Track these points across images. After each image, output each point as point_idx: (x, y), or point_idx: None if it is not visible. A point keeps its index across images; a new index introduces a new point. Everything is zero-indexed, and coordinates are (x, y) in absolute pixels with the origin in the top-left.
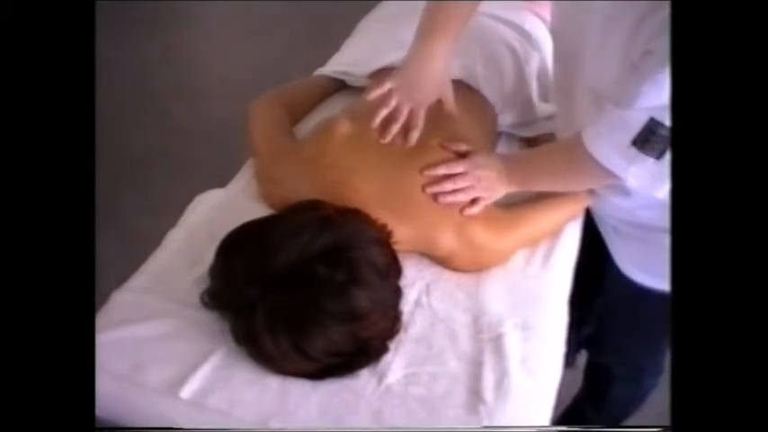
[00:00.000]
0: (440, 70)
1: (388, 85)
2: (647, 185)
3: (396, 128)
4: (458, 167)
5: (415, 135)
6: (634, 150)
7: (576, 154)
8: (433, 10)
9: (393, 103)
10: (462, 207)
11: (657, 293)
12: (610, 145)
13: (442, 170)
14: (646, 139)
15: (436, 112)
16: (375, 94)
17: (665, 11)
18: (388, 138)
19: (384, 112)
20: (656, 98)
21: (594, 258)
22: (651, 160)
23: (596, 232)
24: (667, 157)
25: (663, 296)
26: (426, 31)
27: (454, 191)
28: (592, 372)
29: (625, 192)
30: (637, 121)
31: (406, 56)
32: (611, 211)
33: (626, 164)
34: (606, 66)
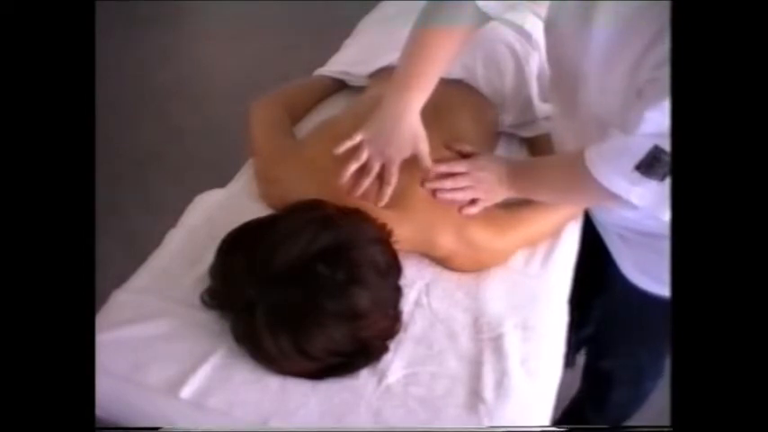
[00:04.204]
0: (415, 125)
1: (359, 137)
2: (652, 206)
3: (367, 182)
4: (459, 167)
5: (388, 192)
6: (637, 174)
7: (579, 173)
8: (411, 60)
9: (364, 156)
10: (461, 207)
11: (661, 299)
12: (613, 168)
13: (442, 168)
14: (650, 165)
15: (435, 113)
16: (345, 146)
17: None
18: (359, 192)
19: (354, 167)
20: (661, 124)
21: (594, 260)
22: (654, 182)
23: (596, 234)
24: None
25: (666, 302)
26: (403, 84)
27: (453, 189)
28: (591, 374)
29: (632, 204)
30: (641, 148)
31: (381, 107)
32: (617, 219)
33: (629, 186)
34: (609, 93)
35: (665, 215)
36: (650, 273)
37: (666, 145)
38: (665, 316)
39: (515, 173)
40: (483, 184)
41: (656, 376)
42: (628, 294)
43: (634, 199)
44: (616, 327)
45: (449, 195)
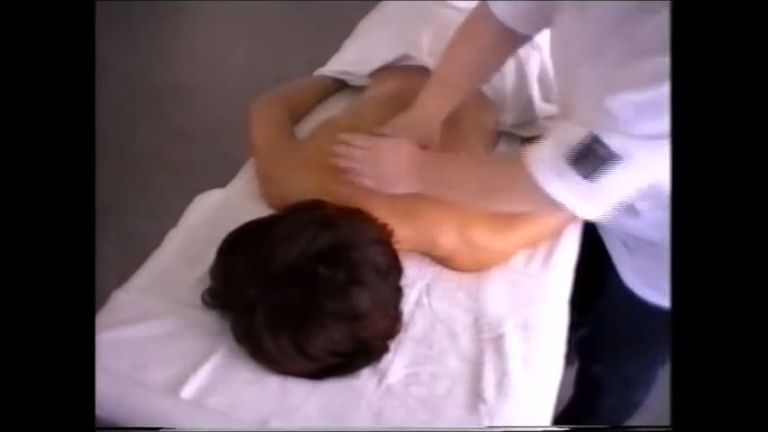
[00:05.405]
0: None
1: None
2: (571, 203)
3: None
4: (364, 141)
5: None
6: (564, 164)
7: (506, 169)
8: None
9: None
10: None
11: (658, 309)
12: (544, 154)
13: (346, 136)
14: (580, 155)
15: None
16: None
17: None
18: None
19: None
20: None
21: (595, 263)
22: (579, 178)
23: (598, 237)
24: (600, 182)
25: (662, 312)
26: (425, 93)
27: (349, 160)
28: (583, 380)
29: (633, 212)
30: (578, 135)
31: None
32: (621, 227)
33: (554, 177)
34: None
35: (586, 213)
36: (650, 282)
37: (623, 144)
38: (660, 325)
39: (425, 164)
40: (379, 168)
41: (647, 385)
42: (625, 301)
43: (554, 191)
44: (610, 332)
45: (342, 164)
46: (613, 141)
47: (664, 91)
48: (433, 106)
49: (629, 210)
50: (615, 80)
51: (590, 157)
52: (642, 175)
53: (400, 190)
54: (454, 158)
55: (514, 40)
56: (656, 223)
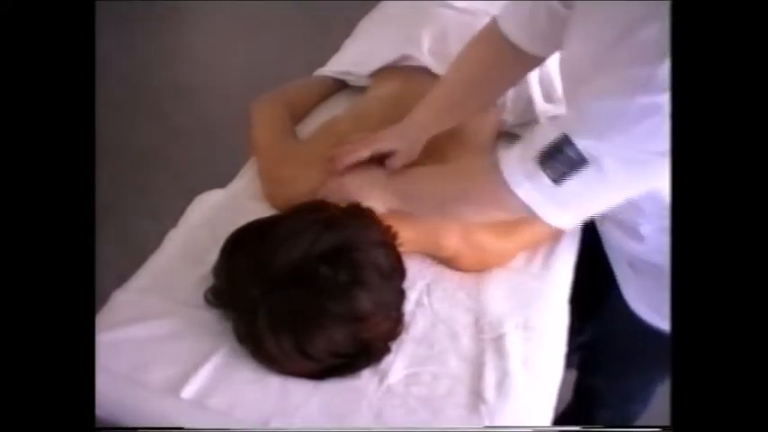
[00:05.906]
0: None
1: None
2: (539, 207)
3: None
4: (335, 184)
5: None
6: (533, 165)
7: (475, 169)
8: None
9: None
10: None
11: (661, 332)
12: (515, 155)
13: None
14: (549, 155)
15: None
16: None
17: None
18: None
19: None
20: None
21: (599, 280)
22: (548, 181)
23: (601, 255)
24: (568, 187)
25: (661, 334)
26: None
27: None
28: (581, 392)
29: (638, 236)
30: (549, 135)
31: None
32: (628, 249)
33: (522, 178)
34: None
35: (554, 220)
36: (653, 305)
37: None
38: (662, 347)
39: (398, 178)
40: (348, 189)
41: (645, 400)
42: (627, 321)
43: (522, 193)
44: (611, 347)
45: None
46: (583, 144)
47: (636, 102)
48: (422, 122)
49: (634, 234)
50: (599, 85)
51: (559, 159)
52: (615, 190)
53: (375, 205)
54: (423, 170)
55: (524, 60)
56: (661, 248)
